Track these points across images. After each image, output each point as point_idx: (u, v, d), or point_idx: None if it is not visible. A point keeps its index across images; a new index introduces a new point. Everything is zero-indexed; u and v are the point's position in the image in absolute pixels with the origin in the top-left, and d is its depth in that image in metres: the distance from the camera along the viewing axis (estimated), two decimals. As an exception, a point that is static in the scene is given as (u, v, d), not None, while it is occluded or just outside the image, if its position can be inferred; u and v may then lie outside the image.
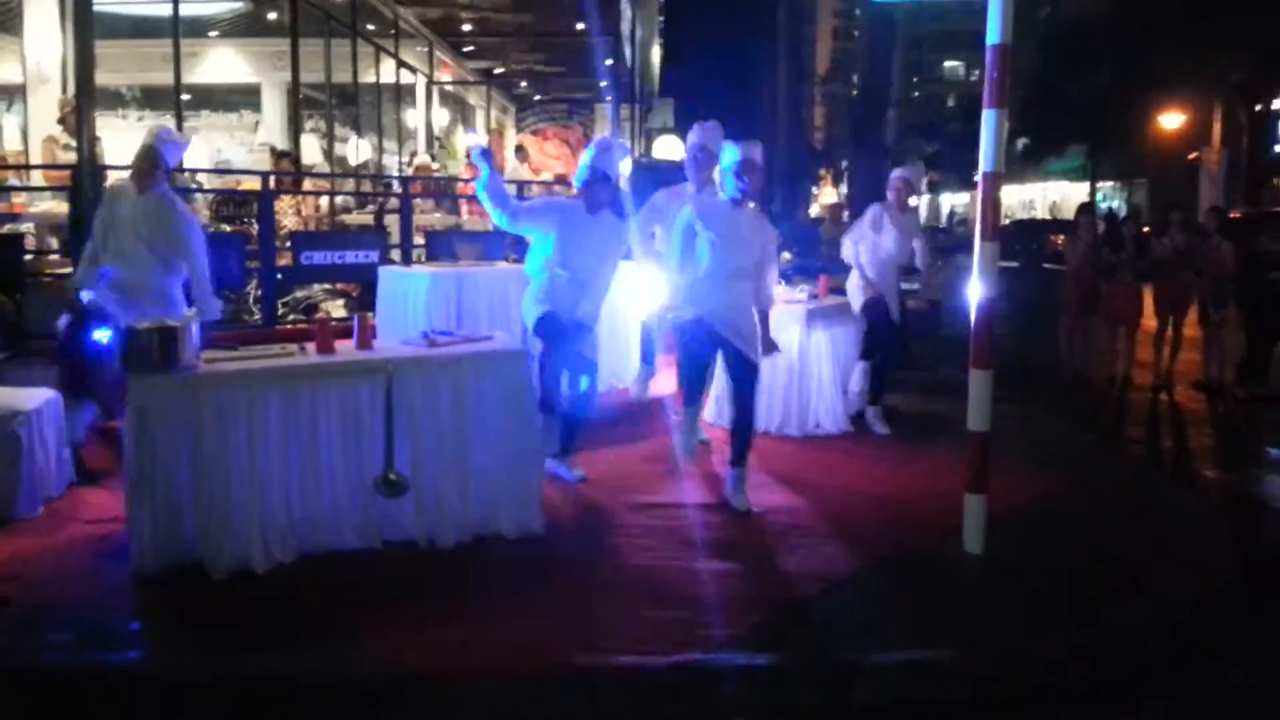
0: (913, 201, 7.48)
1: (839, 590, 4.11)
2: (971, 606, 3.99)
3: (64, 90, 9.66)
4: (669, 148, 18.15)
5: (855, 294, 6.74)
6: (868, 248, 6.60)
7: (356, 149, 13.34)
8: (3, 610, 3.79)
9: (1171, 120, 28.01)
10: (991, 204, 4.34)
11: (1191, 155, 27.64)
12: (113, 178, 6.31)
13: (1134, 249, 9.68)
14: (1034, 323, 11.81)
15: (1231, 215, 12.71)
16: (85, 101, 6.36)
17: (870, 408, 6.77)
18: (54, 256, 7.57)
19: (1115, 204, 35.09)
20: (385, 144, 14.77)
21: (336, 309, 7.64)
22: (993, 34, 4.27)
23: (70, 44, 9.83)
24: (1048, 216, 36.90)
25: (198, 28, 12.12)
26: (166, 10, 10.78)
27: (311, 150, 11.96)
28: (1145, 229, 11.92)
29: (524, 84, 20.86)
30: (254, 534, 4.14)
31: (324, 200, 10.38)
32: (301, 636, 3.65)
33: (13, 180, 8.42)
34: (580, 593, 4.05)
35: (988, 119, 4.29)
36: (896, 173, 6.88)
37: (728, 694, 3.43)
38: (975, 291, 4.33)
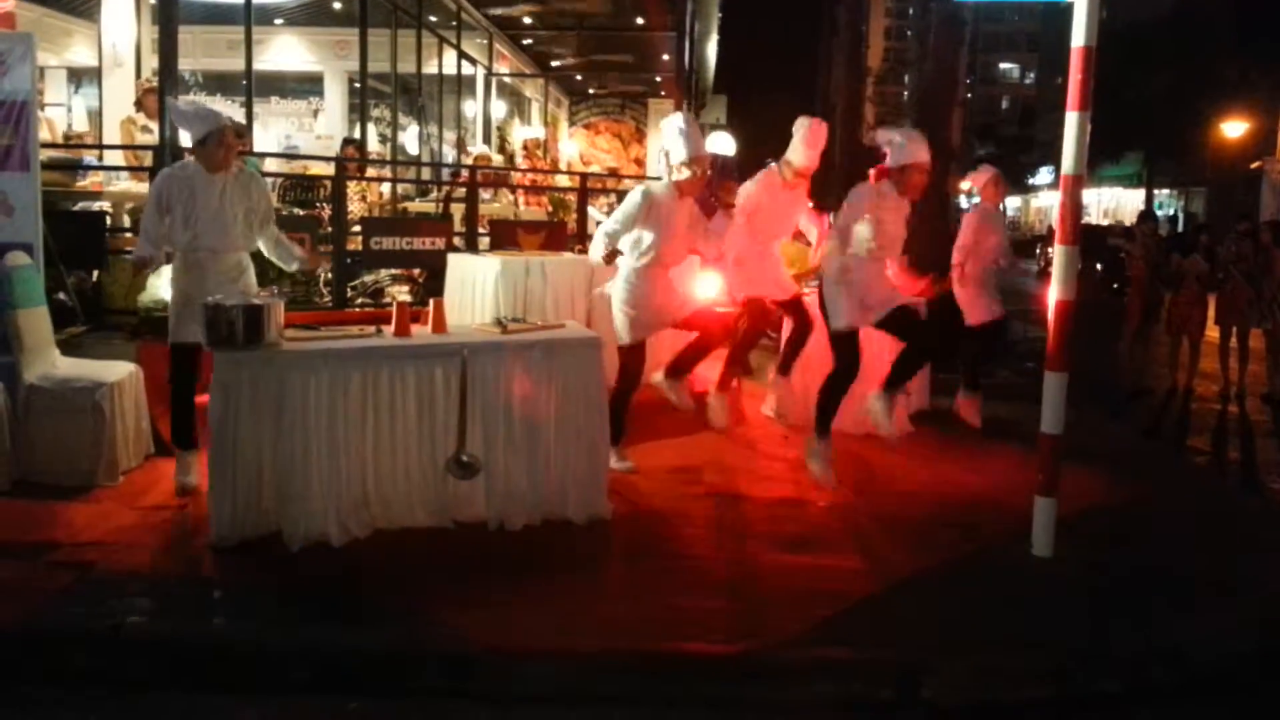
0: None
1: (907, 588, 4.11)
2: (1041, 608, 3.98)
3: (138, 74, 9.87)
4: (721, 143, 18.10)
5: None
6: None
7: (417, 138, 13.47)
8: (85, 576, 3.90)
9: (1234, 128, 27.37)
10: (1072, 207, 4.31)
11: (1254, 164, 27.04)
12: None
13: (1204, 257, 9.50)
14: (1091, 331, 11.64)
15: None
16: (168, 84, 6.49)
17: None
18: (129, 234, 7.73)
19: (1172, 211, 34.43)
20: (445, 134, 14.90)
21: (402, 294, 7.73)
22: (1078, 36, 4.24)
23: (144, 30, 10.07)
24: (1101, 222, 36.34)
25: (262, 15, 12.27)
26: (237, -4, 10.94)
27: (371, 139, 12.11)
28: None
29: (579, 77, 20.89)
30: (330, 508, 4.23)
31: (385, 188, 10.50)
32: (375, 610, 3.74)
33: (89, 159, 8.58)
34: (645, 579, 4.09)
35: (1071, 121, 4.26)
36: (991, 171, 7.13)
37: (793, 686, 3.44)
38: (1053, 294, 4.31)
